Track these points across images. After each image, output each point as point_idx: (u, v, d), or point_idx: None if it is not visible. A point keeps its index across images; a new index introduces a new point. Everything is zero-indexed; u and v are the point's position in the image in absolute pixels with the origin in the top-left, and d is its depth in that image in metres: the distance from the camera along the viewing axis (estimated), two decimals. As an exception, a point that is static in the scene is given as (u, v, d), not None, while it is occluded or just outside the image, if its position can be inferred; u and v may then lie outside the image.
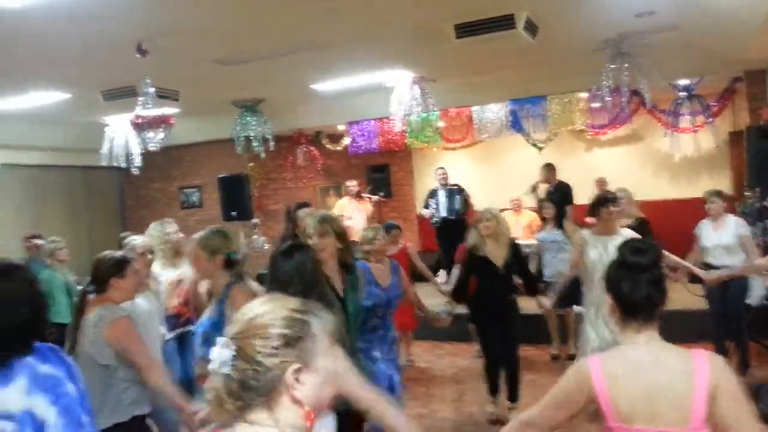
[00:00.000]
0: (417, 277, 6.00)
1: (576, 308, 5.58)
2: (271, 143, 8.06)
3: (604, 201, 4.44)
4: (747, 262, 5.15)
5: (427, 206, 8.91)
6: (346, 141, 9.77)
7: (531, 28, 5.16)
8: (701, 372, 1.71)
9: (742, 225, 5.42)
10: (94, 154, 8.19)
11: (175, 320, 4.60)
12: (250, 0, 4.33)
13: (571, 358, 5.78)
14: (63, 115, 7.79)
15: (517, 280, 5.02)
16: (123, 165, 7.87)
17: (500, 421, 4.74)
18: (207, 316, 3.06)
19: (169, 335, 4.45)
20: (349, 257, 3.51)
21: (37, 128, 8.24)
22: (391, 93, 7.17)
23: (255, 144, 8.08)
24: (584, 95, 7.94)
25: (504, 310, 4.88)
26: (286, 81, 6.97)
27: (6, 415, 1.60)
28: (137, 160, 7.86)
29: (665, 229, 6.77)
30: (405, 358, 6.27)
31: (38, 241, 6.42)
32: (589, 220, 4.95)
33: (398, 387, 3.84)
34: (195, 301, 4.37)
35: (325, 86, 7.35)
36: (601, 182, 8.59)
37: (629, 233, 4.24)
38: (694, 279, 5.29)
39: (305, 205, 5.22)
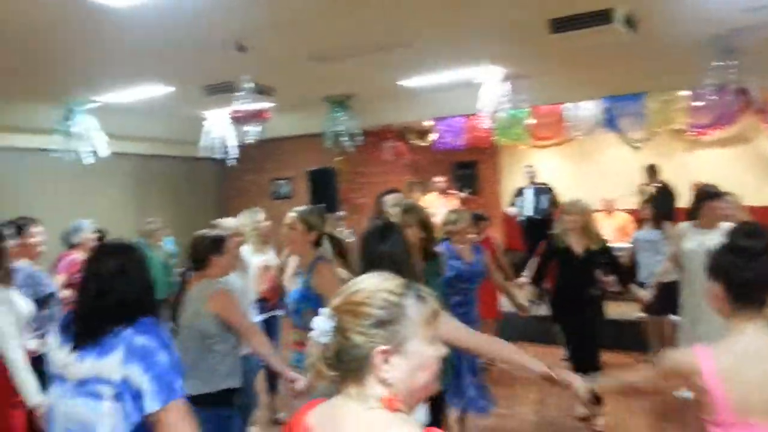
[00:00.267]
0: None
1: (672, 317, 5.32)
2: (359, 138, 8.20)
3: (707, 196, 4.25)
4: None
5: (513, 204, 8.76)
6: (433, 137, 9.76)
7: (631, 23, 4.99)
8: None
9: None
10: (194, 146, 8.66)
11: (262, 305, 4.80)
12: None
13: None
14: (166, 108, 8.26)
15: (604, 278, 4.79)
16: (220, 157, 8.26)
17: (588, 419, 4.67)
18: (295, 288, 3.30)
19: (257, 318, 4.62)
20: (432, 246, 3.56)
21: (143, 120, 8.77)
22: (479, 89, 7.10)
23: (344, 138, 8.25)
24: (685, 93, 7.54)
25: (584, 303, 4.67)
26: (375, 77, 7.05)
27: (107, 380, 1.76)
28: (233, 152, 8.22)
29: (771, 237, 6.31)
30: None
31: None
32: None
33: (476, 367, 4.05)
34: (280, 287, 4.59)
35: (413, 82, 7.38)
36: (698, 187, 8.12)
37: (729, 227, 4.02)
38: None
39: (394, 190, 5.22)
